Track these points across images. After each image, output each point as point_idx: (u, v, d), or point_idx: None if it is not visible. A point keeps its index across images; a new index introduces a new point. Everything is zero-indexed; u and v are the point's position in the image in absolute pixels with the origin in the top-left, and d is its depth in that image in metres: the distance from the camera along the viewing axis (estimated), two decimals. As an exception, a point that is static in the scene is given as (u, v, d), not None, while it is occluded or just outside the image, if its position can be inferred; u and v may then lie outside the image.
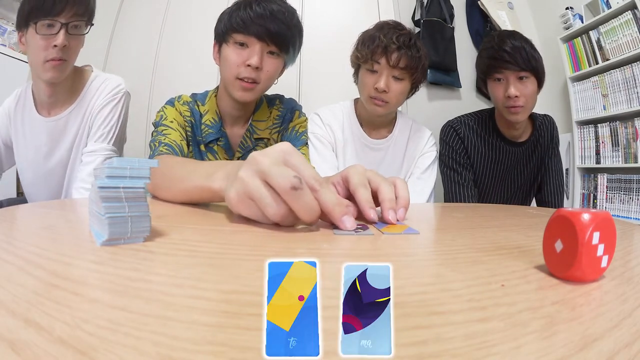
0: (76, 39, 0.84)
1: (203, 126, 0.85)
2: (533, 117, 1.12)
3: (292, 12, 0.80)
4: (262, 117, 0.90)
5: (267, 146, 0.84)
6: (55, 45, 0.80)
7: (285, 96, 1.03)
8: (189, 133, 0.82)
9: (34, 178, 1.02)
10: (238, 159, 0.87)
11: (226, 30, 0.78)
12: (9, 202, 1.09)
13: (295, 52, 0.86)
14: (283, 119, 0.95)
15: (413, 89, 0.98)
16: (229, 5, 0.83)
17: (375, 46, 0.89)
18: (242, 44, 0.77)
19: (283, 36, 0.76)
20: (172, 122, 0.79)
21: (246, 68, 0.76)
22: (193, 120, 0.84)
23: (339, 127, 1.00)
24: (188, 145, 0.82)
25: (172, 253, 0.31)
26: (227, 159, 0.85)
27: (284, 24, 0.75)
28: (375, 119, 0.99)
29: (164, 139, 0.75)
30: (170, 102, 0.86)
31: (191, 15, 1.84)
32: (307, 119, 1.02)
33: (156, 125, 0.82)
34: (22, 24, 0.82)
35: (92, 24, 0.88)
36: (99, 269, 0.26)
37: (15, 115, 0.96)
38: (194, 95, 0.90)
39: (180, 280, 0.24)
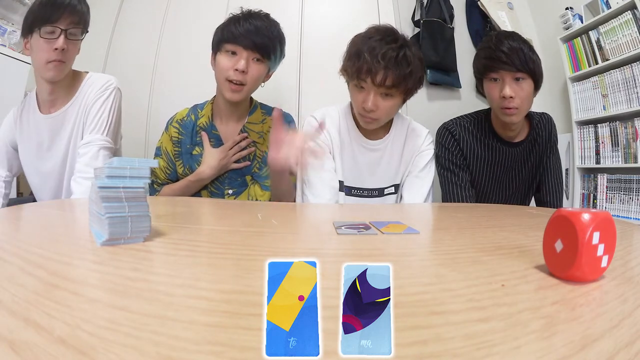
0: (73, 44, 0.94)
1: (197, 128, 1.03)
2: (530, 117, 1.11)
3: (274, 25, 0.96)
4: (256, 120, 1.04)
5: (256, 148, 1.04)
6: (55, 48, 0.89)
7: (286, 98, 1.14)
8: (177, 150, 1.04)
9: (36, 177, 1.07)
10: None
11: (219, 41, 0.94)
12: (10, 202, 1.10)
13: (277, 59, 1.00)
14: None
15: (407, 98, 0.94)
16: (226, 16, 0.98)
17: (360, 65, 0.83)
18: (232, 53, 0.93)
19: (265, 46, 0.93)
20: (163, 152, 1.04)
21: (235, 72, 0.92)
22: (184, 134, 1.03)
23: (335, 129, 1.00)
24: (176, 157, 1.05)
25: (172, 253, 0.31)
26: None
27: (267, 36, 0.93)
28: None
29: (157, 177, 1.04)
30: (167, 127, 1.06)
31: (191, 15, 1.84)
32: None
33: (156, 152, 1.06)
34: (27, 31, 0.92)
35: (87, 31, 0.99)
36: (99, 269, 0.26)
37: (20, 118, 1.04)
38: (194, 107, 1.07)
39: (180, 280, 0.24)
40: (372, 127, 0.95)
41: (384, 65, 0.81)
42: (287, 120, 1.07)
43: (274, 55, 0.97)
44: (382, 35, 0.86)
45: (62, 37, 0.89)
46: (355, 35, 0.92)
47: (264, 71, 0.98)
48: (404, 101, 0.95)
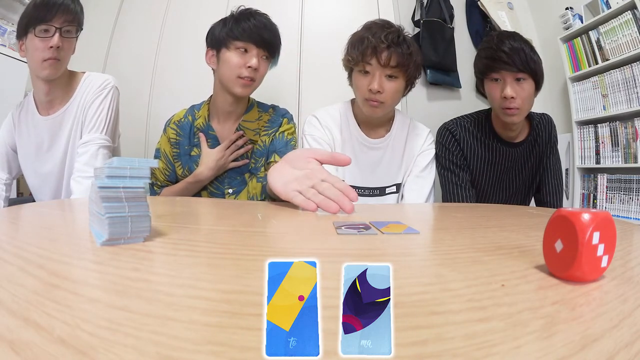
0: (68, 42, 0.95)
1: (195, 129, 1.03)
2: (530, 117, 1.11)
3: (276, 26, 0.99)
4: (251, 119, 1.04)
5: (253, 145, 1.03)
6: (51, 47, 0.90)
7: (286, 97, 1.14)
8: (175, 151, 1.04)
9: (35, 178, 1.07)
10: None
11: (227, 37, 0.94)
12: (10, 203, 1.10)
13: (277, 58, 1.03)
14: (272, 125, 1.04)
15: (408, 86, 0.97)
16: (226, 12, 0.99)
17: (365, 47, 0.88)
18: (244, 50, 0.94)
19: (274, 44, 0.97)
20: (162, 154, 1.05)
21: (247, 69, 0.93)
22: (182, 135, 1.04)
23: (336, 128, 1.01)
24: (175, 159, 1.05)
25: (172, 253, 0.31)
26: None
27: (273, 34, 0.96)
28: (373, 119, 0.99)
29: (157, 179, 1.05)
30: (164, 129, 1.06)
31: (191, 15, 1.84)
32: (294, 125, 1.08)
33: (156, 153, 1.07)
34: (22, 32, 0.93)
35: (82, 29, 0.99)
36: (99, 269, 0.26)
37: (19, 120, 1.05)
38: (191, 107, 1.07)
39: (180, 280, 0.24)
40: (377, 113, 0.95)
41: (387, 44, 0.88)
42: (282, 113, 1.06)
43: (277, 54, 1.01)
44: (381, 23, 0.94)
45: (56, 35, 0.89)
46: (354, 32, 0.96)
47: (268, 68, 1.00)
48: (406, 88, 0.96)
